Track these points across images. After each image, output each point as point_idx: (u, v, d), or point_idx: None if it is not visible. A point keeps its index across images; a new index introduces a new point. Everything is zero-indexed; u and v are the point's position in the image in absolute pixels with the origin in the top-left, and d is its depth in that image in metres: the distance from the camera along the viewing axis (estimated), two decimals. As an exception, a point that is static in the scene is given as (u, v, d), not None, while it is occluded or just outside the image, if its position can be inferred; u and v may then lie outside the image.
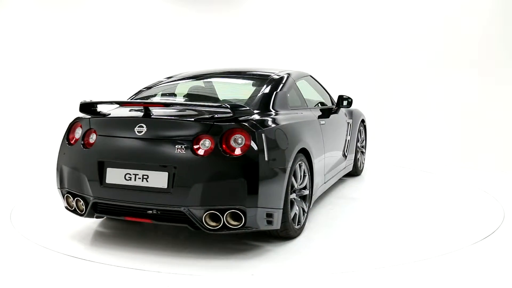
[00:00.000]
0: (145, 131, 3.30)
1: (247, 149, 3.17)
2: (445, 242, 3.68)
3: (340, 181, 5.65)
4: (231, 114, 3.24)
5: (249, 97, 3.84)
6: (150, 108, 3.47)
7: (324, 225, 4.10)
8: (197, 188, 3.13)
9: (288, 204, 3.46)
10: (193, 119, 3.30)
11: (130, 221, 3.94)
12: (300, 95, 4.43)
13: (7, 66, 9.46)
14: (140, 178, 3.25)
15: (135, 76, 8.86)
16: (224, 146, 3.18)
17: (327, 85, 5.66)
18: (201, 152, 3.18)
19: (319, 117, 4.60)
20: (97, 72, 9.44)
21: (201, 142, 3.20)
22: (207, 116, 3.32)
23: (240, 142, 3.19)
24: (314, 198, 4.17)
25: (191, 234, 3.73)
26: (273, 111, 3.74)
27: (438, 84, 7.67)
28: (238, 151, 3.17)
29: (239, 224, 3.18)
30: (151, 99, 4.22)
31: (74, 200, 3.57)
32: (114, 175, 3.34)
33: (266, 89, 3.94)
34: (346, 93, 5.65)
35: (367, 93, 8.20)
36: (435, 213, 4.51)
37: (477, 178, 5.99)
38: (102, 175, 3.37)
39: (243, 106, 3.41)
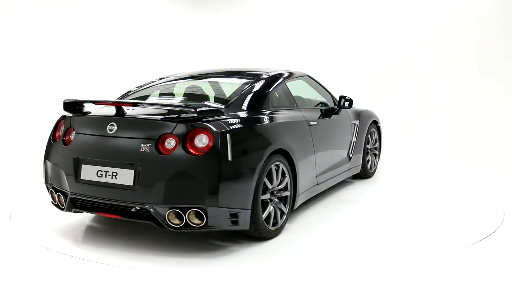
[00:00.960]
0: (116, 130, 3.41)
1: (209, 149, 3.20)
2: (445, 242, 3.68)
3: (347, 183, 5.61)
4: (196, 115, 3.28)
5: (227, 97, 3.91)
6: (124, 107, 3.58)
7: (308, 227, 4.05)
8: (160, 186, 3.19)
9: (258, 205, 3.48)
10: (159, 119, 3.37)
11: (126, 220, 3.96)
12: (290, 95, 4.41)
13: (7, 66, 9.46)
14: (110, 175, 3.35)
15: (135, 76, 8.85)
16: (188, 145, 3.22)
17: (329, 85, 5.63)
18: (165, 151, 3.24)
19: (318, 117, 4.61)
20: (97, 72, 9.44)
21: (166, 141, 3.26)
22: (173, 116, 3.38)
23: (204, 141, 3.23)
24: (300, 199, 4.14)
25: (177, 233, 3.75)
26: (249, 111, 3.75)
27: (438, 84, 7.67)
28: (200, 151, 3.21)
29: (202, 223, 3.22)
30: (143, 99, 4.29)
31: (56, 194, 3.73)
32: (88, 172, 3.46)
33: (247, 90, 3.96)
34: (346, 93, 5.63)
35: (368, 93, 8.20)
36: (435, 213, 4.50)
37: (477, 178, 5.99)
38: (77, 171, 3.50)
39: (211, 107, 3.48)
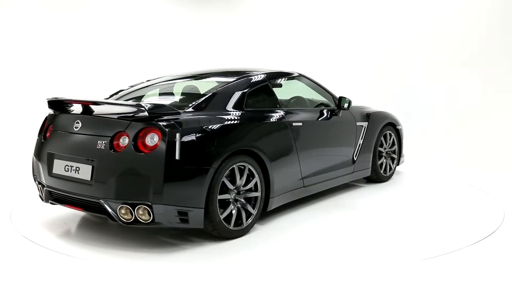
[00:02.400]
0: (80, 127, 3.64)
1: (156, 147, 3.29)
2: (445, 242, 3.67)
3: (353, 186, 5.48)
4: (147, 114, 3.36)
5: (197, 97, 3.93)
6: (92, 106, 3.73)
7: (281, 230, 3.98)
8: (112, 181, 3.35)
9: (214, 204, 3.52)
10: (116, 117, 3.50)
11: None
12: (272, 95, 4.38)
13: (9, 66, 9.46)
14: (74, 170, 3.56)
15: (134, 75, 8.85)
16: (139, 143, 3.33)
17: (329, 86, 5.57)
18: (118, 148, 3.39)
19: (311, 118, 4.65)
20: (97, 72, 9.44)
21: (121, 139, 3.40)
22: (129, 114, 3.48)
23: (154, 140, 3.32)
24: (278, 201, 4.11)
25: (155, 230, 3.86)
26: (213, 111, 3.75)
27: (437, 84, 7.66)
28: (150, 149, 3.31)
29: (150, 219, 3.33)
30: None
31: (39, 186, 4.01)
32: (58, 166, 3.69)
33: (218, 90, 3.97)
34: (346, 94, 5.59)
35: (367, 93, 8.20)
36: (435, 213, 4.50)
37: (477, 178, 5.99)
38: (51, 165, 3.75)
39: (164, 106, 3.56)
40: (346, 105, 4.97)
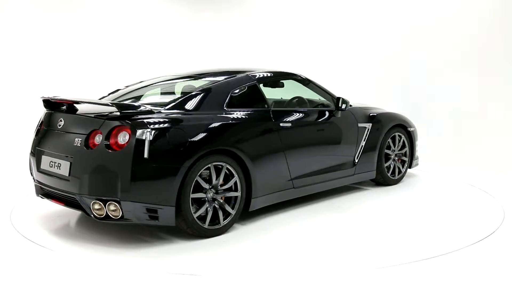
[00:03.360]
0: (62, 125, 3.80)
1: (126, 145, 3.38)
2: (445, 242, 3.67)
3: (357, 189, 5.38)
4: (119, 113, 3.47)
5: (180, 97, 3.96)
6: (76, 105, 3.85)
7: (262, 229, 3.96)
8: (86, 178, 3.47)
9: (186, 202, 3.55)
10: (92, 116, 3.62)
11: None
12: (261, 95, 4.34)
13: (9, 66, 9.46)
14: (57, 166, 3.70)
15: (134, 76, 8.85)
16: (111, 141, 3.43)
17: (329, 86, 5.53)
18: (92, 145, 3.50)
19: (312, 119, 4.63)
20: (97, 71, 9.44)
21: (96, 137, 3.51)
22: (104, 113, 3.58)
23: (125, 138, 3.41)
24: (261, 202, 4.10)
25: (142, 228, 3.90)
26: (190, 111, 3.78)
27: (437, 83, 7.67)
28: (121, 147, 3.41)
29: (120, 216, 3.43)
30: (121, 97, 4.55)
31: (33, 181, 4.15)
32: (45, 162, 3.86)
33: (199, 91, 3.97)
34: (346, 94, 5.56)
35: (367, 93, 8.20)
36: (435, 213, 4.50)
37: (477, 178, 5.98)
38: (39, 161, 3.93)
39: (137, 105, 3.66)
40: (343, 106, 4.87)
